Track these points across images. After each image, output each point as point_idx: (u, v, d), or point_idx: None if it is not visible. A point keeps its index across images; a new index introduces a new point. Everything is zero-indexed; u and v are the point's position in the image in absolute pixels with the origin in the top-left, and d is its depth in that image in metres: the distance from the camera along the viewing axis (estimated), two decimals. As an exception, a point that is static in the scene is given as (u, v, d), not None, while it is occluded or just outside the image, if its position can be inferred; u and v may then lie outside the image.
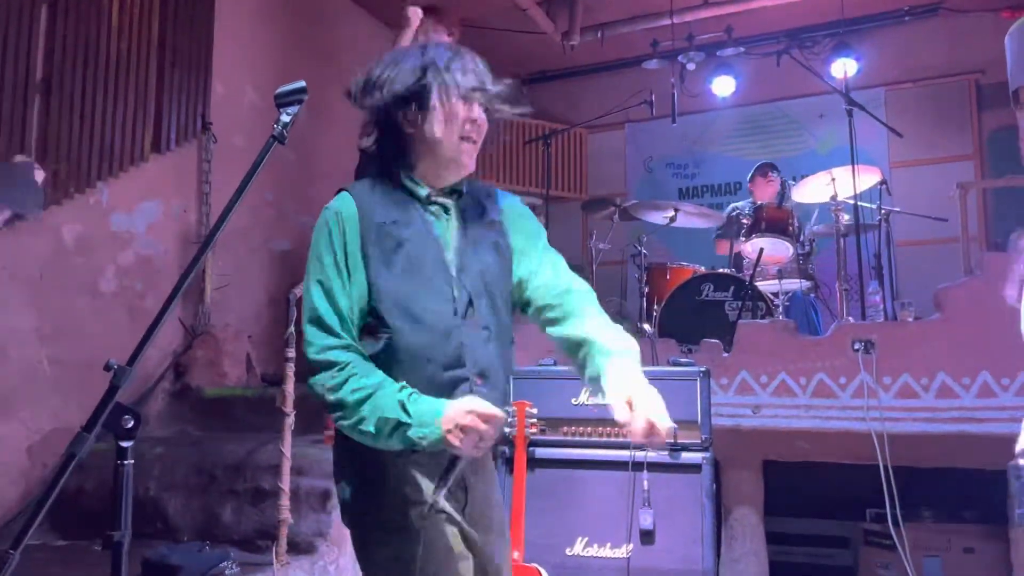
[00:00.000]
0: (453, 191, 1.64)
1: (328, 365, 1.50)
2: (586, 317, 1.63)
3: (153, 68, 4.01)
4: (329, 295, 1.54)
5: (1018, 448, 1.87)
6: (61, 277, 3.57)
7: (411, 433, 1.40)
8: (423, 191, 1.60)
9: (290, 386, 2.79)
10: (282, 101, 1.52)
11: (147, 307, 3.82)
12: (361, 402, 1.45)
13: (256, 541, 2.93)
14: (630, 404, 1.45)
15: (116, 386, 1.34)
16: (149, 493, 3.16)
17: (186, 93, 4.17)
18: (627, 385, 1.48)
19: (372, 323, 1.54)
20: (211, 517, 3.05)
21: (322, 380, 1.50)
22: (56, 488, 1.31)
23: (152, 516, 3.13)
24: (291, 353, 2.85)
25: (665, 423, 1.44)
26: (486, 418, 1.38)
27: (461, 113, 1.55)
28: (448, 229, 1.60)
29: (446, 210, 1.62)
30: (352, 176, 4.48)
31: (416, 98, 1.55)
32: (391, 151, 1.62)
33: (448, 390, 1.50)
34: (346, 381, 1.47)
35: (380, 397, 1.44)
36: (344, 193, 1.61)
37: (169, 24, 4.08)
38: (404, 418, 1.41)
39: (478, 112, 1.56)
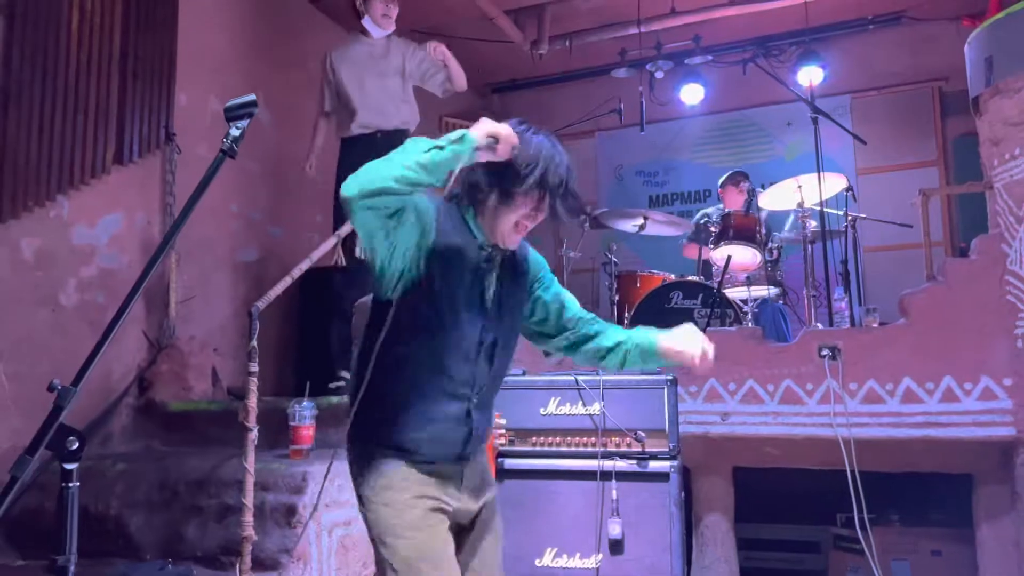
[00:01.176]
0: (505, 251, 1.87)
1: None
2: (610, 329, 2.01)
3: (115, 78, 3.94)
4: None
5: None
6: (20, 292, 3.50)
7: (448, 147, 1.61)
8: (480, 238, 1.81)
9: (253, 400, 2.75)
10: (232, 115, 1.50)
11: (109, 321, 3.75)
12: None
13: (220, 558, 2.88)
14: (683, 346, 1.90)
15: (60, 407, 1.31)
16: (110, 511, 3.10)
17: (149, 103, 4.11)
18: (675, 333, 1.93)
19: (421, 309, 1.74)
20: (174, 534, 3.00)
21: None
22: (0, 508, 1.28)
23: (114, 534, 3.06)
24: (254, 367, 2.81)
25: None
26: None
27: (525, 210, 1.77)
28: (492, 277, 1.83)
29: (495, 261, 1.84)
30: (322, 182, 4.45)
31: (503, 183, 1.74)
32: (464, 198, 1.82)
33: (448, 402, 1.79)
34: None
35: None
36: (430, 201, 1.77)
37: (131, 34, 4.02)
38: (436, 143, 1.62)
39: (542, 215, 1.80)
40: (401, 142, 4.46)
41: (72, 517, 1.31)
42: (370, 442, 1.80)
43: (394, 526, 1.74)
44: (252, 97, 1.50)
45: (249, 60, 4.87)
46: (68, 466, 1.30)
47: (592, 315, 2.04)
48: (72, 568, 1.30)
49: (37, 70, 3.57)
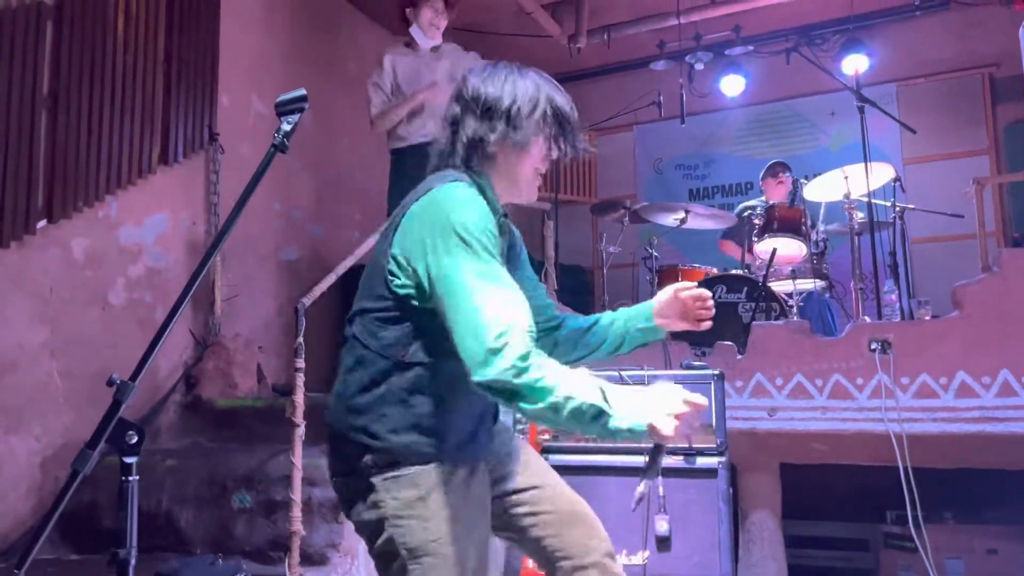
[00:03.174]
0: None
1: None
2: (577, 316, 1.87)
3: (160, 81, 4.00)
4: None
5: None
6: (71, 291, 3.57)
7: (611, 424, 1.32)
8: (498, 208, 1.63)
9: (300, 396, 2.77)
10: (283, 110, 1.50)
11: (157, 319, 3.82)
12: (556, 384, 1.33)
13: (268, 553, 2.91)
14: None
15: (119, 401, 1.32)
16: (161, 506, 3.15)
17: (192, 105, 4.16)
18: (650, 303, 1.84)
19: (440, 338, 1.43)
20: (223, 529, 3.03)
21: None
22: (60, 506, 1.29)
23: (164, 529, 3.11)
24: (300, 363, 2.83)
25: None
26: (695, 405, 1.35)
27: (541, 154, 1.64)
28: (503, 246, 1.63)
29: (509, 230, 1.71)
30: (362, 180, 4.47)
31: (516, 129, 1.59)
32: (472, 160, 1.62)
33: (476, 420, 1.59)
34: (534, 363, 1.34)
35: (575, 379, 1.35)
36: (469, 187, 1.56)
37: (175, 37, 4.08)
38: (604, 407, 1.32)
39: (556, 153, 1.65)
40: None
41: (132, 510, 1.31)
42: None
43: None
44: (303, 92, 1.50)
45: (289, 60, 4.91)
46: (128, 459, 1.31)
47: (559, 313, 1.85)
48: (132, 561, 1.31)
49: (85, 73, 3.63)
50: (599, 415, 1.31)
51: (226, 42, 4.40)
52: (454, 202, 1.48)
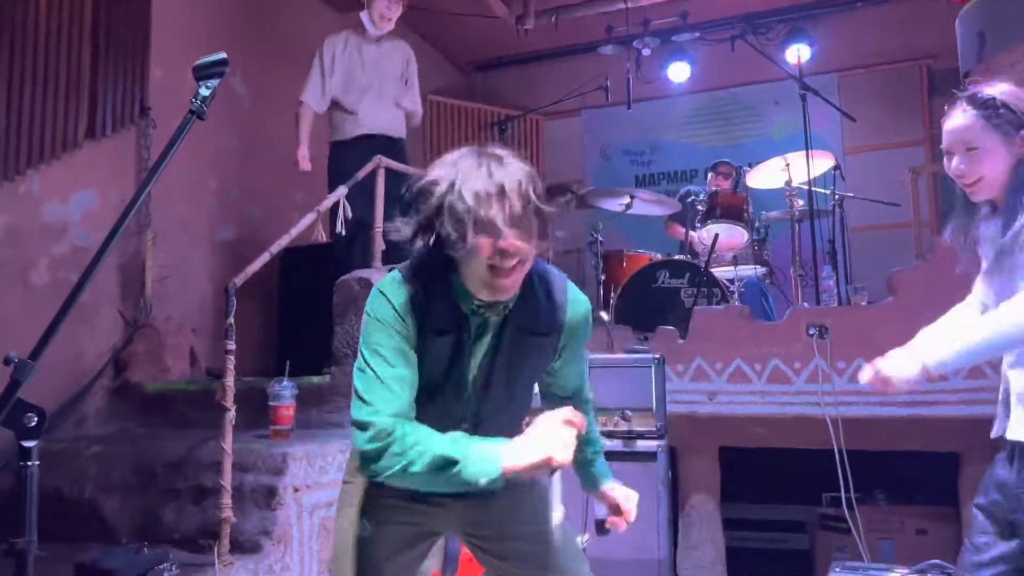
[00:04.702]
0: (503, 305, 1.55)
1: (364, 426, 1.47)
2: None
3: (86, 50, 3.82)
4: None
5: None
6: (-11, 269, 3.40)
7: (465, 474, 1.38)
8: (466, 306, 1.54)
9: (230, 380, 2.68)
10: (202, 74, 1.41)
11: (84, 299, 3.63)
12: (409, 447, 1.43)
13: (199, 541, 2.81)
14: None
15: (17, 381, 1.23)
16: (85, 494, 3.02)
17: (122, 77, 3.98)
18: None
19: None
20: (151, 517, 2.93)
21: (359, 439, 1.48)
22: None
23: (88, 518, 2.99)
24: (231, 345, 2.73)
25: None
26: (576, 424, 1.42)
27: (484, 244, 1.41)
28: (482, 346, 1.57)
29: (489, 324, 1.57)
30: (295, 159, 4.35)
31: (438, 232, 1.44)
32: (435, 260, 1.53)
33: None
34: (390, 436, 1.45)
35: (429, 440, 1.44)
36: (399, 284, 1.55)
37: (103, 4, 3.89)
38: (452, 456, 1.39)
39: (510, 242, 1.41)
40: (402, 149, 4.31)
41: (32, 498, 1.23)
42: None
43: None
44: (223, 55, 1.42)
45: (227, 34, 4.74)
46: (27, 443, 1.23)
47: (587, 398, 1.86)
48: (32, 551, 1.23)
49: (4, 41, 3.45)
50: (446, 465, 1.38)
51: (160, 12, 4.22)
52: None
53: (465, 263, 1.47)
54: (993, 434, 1.97)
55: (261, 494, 2.81)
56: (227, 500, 2.61)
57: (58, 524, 2.85)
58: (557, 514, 1.58)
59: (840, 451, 3.48)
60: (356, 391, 1.50)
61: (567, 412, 1.40)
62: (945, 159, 1.89)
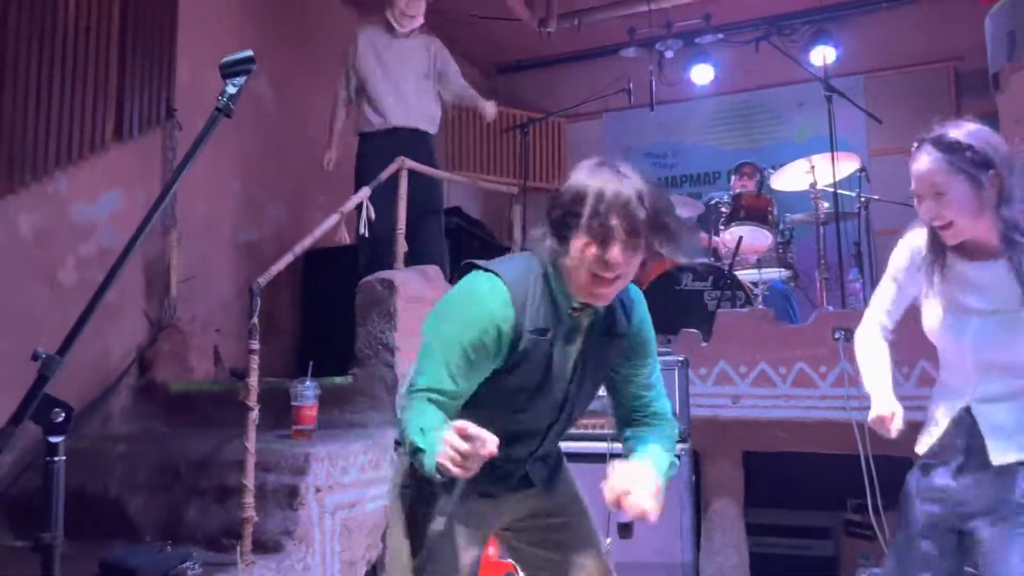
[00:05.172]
0: (595, 308, 1.64)
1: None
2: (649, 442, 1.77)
3: (114, 53, 3.86)
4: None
5: None
6: (17, 268, 3.43)
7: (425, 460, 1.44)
8: (566, 304, 1.61)
9: (254, 379, 2.69)
10: (228, 71, 1.42)
11: (109, 299, 3.65)
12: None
13: (221, 540, 2.83)
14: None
15: (45, 376, 1.24)
16: (109, 492, 3.05)
17: (149, 79, 4.02)
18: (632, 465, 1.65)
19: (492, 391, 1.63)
20: (174, 516, 2.94)
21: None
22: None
23: (113, 516, 3.01)
24: (255, 345, 2.75)
25: (640, 504, 1.56)
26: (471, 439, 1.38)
27: (591, 252, 1.50)
28: (575, 347, 1.65)
29: (580, 326, 1.65)
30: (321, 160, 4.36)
31: (563, 226, 1.54)
32: (535, 264, 1.62)
33: (508, 465, 1.70)
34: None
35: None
36: (505, 292, 1.58)
37: (131, 7, 3.94)
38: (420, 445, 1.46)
39: (615, 253, 1.49)
40: (425, 144, 4.38)
41: (58, 493, 1.24)
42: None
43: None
44: (249, 53, 1.42)
45: (253, 35, 4.77)
46: (53, 439, 1.23)
47: (664, 416, 1.83)
48: (58, 547, 1.23)
49: (34, 42, 3.49)
50: (416, 452, 1.45)
51: (186, 14, 4.26)
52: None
53: (571, 267, 1.54)
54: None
55: (283, 494, 2.81)
56: (249, 500, 2.62)
57: (83, 522, 2.86)
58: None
59: (866, 456, 3.43)
60: (417, 366, 1.60)
61: (459, 425, 1.37)
62: (916, 201, 1.88)
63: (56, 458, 1.23)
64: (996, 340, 1.83)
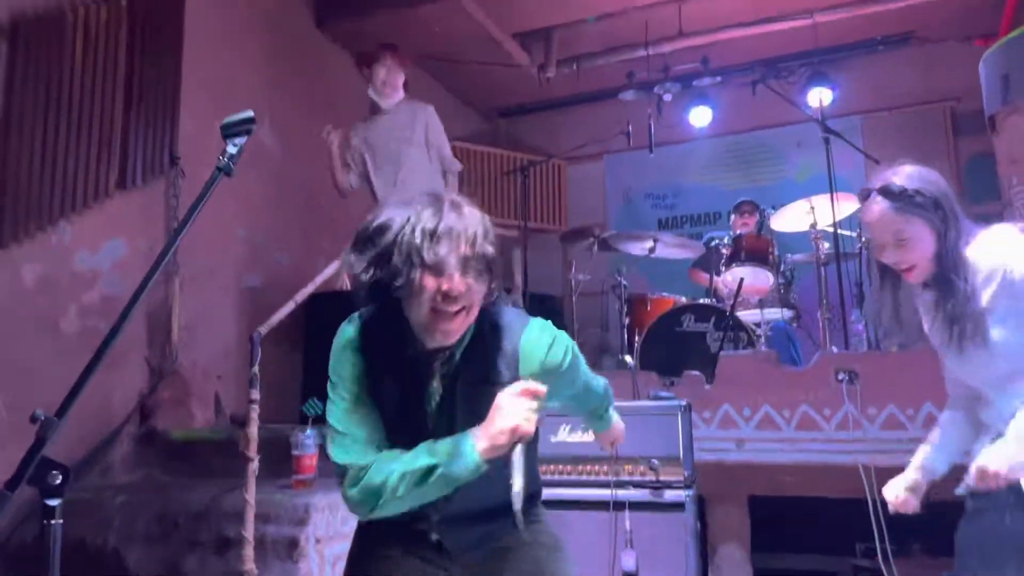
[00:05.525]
0: (450, 352, 1.52)
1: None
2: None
3: (119, 102, 3.92)
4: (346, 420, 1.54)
5: None
6: (20, 318, 3.44)
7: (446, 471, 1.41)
8: (412, 351, 1.51)
9: (254, 429, 2.68)
10: (229, 132, 1.43)
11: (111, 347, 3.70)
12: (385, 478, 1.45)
13: (220, 593, 2.79)
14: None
15: (43, 439, 1.23)
16: (108, 544, 3.01)
17: (153, 128, 4.07)
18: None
19: None
20: (173, 568, 2.91)
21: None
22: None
23: (112, 567, 2.98)
24: (255, 394, 2.74)
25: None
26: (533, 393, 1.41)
27: (429, 285, 1.41)
28: (433, 394, 1.52)
29: (435, 371, 1.52)
30: (329, 207, 4.39)
31: (387, 269, 1.43)
32: (390, 301, 1.50)
33: (407, 534, 1.59)
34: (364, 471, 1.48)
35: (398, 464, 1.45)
36: (353, 325, 1.60)
37: (136, 57, 4.00)
38: (430, 462, 1.41)
39: (456, 283, 1.40)
40: None
41: (54, 555, 1.22)
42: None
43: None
44: (250, 114, 1.44)
45: (255, 85, 4.85)
46: (50, 502, 1.22)
47: (603, 388, 1.88)
48: (54, 611, 1.22)
49: (40, 93, 3.54)
50: (427, 473, 1.40)
51: (190, 65, 4.33)
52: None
53: (410, 304, 1.45)
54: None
55: (283, 545, 2.78)
56: (249, 552, 2.59)
57: (81, 573, 2.84)
58: (516, 483, 1.46)
59: (874, 500, 3.38)
60: (328, 434, 1.54)
61: (523, 384, 1.40)
62: (876, 248, 1.93)
63: (53, 521, 1.22)
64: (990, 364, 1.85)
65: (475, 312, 1.49)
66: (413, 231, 1.41)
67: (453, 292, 1.40)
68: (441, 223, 1.42)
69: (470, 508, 1.56)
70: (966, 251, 1.86)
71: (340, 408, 1.52)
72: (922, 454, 2.13)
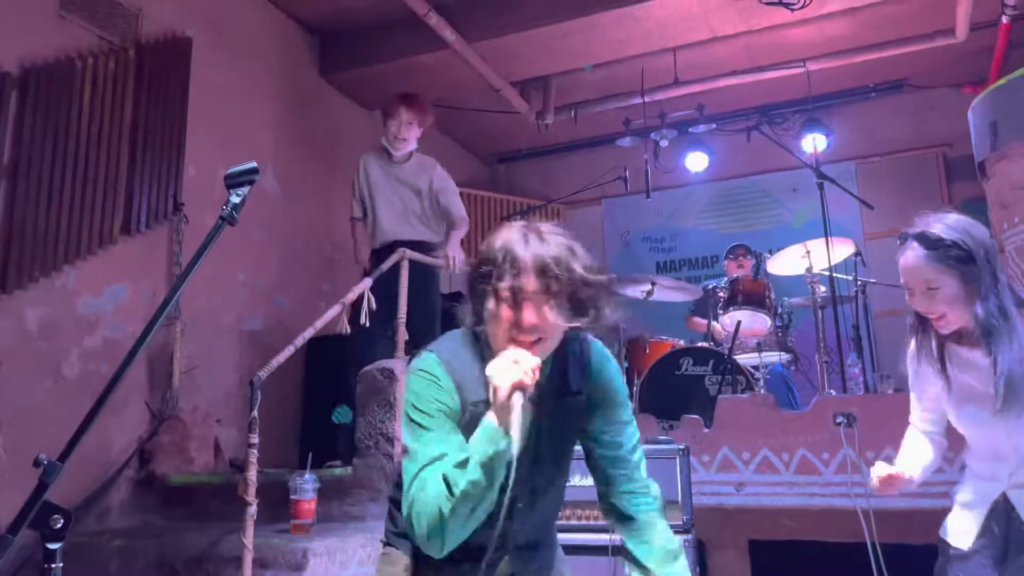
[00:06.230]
0: None
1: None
2: (654, 544, 1.67)
3: (125, 151, 3.99)
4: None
5: None
6: (22, 362, 3.47)
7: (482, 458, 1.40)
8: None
9: (252, 473, 2.68)
10: (232, 182, 1.48)
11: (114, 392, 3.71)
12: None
13: (217, 640, 2.77)
14: None
15: (45, 483, 1.26)
16: (105, 590, 3.01)
17: (158, 175, 4.15)
18: None
19: None
20: (170, 614, 2.89)
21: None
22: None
23: (108, 614, 2.96)
24: (254, 439, 2.75)
25: None
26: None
27: (505, 315, 1.47)
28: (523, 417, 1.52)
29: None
30: (330, 251, 4.44)
31: (480, 292, 1.52)
32: (469, 335, 1.60)
33: (470, 558, 1.53)
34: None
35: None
36: (439, 367, 1.55)
37: (142, 107, 4.09)
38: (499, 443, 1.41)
39: (527, 315, 1.45)
40: (430, 250, 4.32)
41: (55, 601, 1.24)
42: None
43: None
44: (253, 164, 1.49)
45: (259, 131, 4.94)
46: (51, 546, 1.24)
47: (645, 486, 1.70)
48: (54, 657, 1.23)
49: (48, 142, 3.61)
50: (505, 449, 1.39)
51: (195, 112, 4.42)
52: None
53: (491, 332, 1.50)
54: None
55: (281, 591, 2.77)
56: (247, 597, 2.58)
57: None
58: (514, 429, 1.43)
59: (874, 544, 3.37)
60: (411, 462, 1.50)
61: (512, 352, 1.42)
62: (907, 294, 1.93)
63: (54, 565, 1.24)
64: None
65: (552, 342, 1.51)
66: (496, 265, 1.47)
67: (526, 324, 1.45)
68: (523, 254, 1.46)
69: (531, 542, 1.66)
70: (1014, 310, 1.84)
71: (427, 435, 1.49)
72: (905, 455, 2.14)
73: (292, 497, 3.07)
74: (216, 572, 2.89)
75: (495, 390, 1.41)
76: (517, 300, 1.45)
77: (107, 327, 3.87)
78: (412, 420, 1.52)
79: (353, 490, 3.32)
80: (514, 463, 1.38)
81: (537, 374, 1.43)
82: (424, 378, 1.53)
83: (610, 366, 1.68)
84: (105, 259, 3.88)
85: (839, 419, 3.63)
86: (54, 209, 3.62)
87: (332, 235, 5.31)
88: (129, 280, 4.01)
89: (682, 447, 3.18)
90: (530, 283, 1.45)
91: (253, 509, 2.63)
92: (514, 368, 1.40)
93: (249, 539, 2.59)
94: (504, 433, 1.40)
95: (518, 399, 1.40)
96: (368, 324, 3.57)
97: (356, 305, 3.59)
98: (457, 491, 1.40)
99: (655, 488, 1.73)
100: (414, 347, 3.81)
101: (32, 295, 3.54)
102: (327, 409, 4.48)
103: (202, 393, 4.29)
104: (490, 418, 1.43)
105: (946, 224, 1.87)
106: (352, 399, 3.60)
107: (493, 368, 1.43)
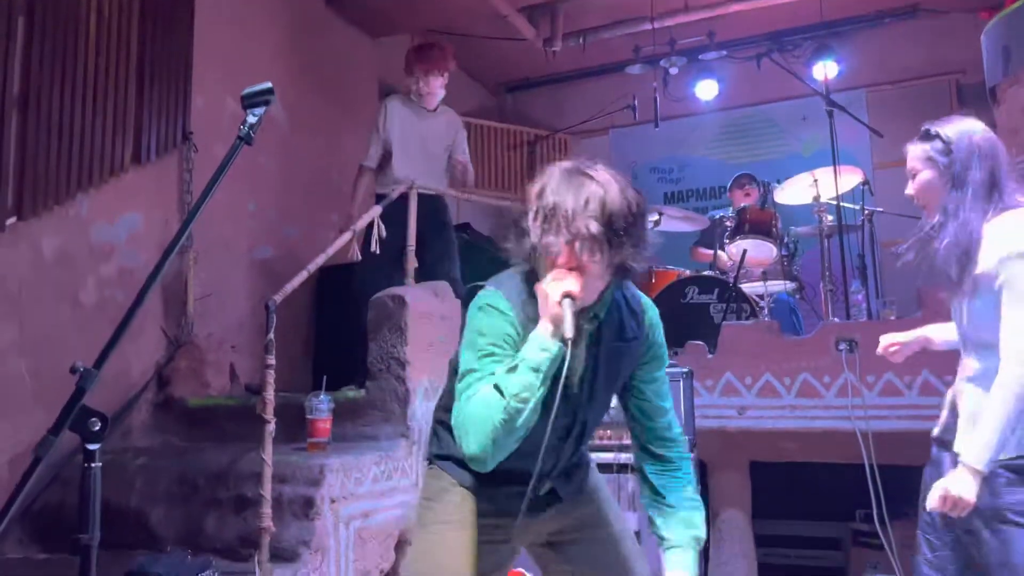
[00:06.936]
0: (593, 313, 1.64)
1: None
2: (682, 497, 1.77)
3: (132, 80, 3.98)
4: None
5: None
6: (40, 290, 3.54)
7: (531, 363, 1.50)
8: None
9: (270, 393, 2.78)
10: (249, 102, 1.52)
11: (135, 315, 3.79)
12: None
13: (239, 550, 2.90)
14: None
15: (82, 388, 1.33)
16: (131, 504, 3.13)
17: (166, 104, 4.15)
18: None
19: None
20: (194, 526, 3.02)
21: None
22: (22, 492, 1.29)
23: (134, 526, 3.10)
24: (271, 360, 2.83)
25: None
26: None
27: (551, 261, 1.55)
28: (580, 355, 1.64)
29: (583, 332, 1.62)
30: (338, 182, 4.46)
31: (528, 232, 1.59)
32: (529, 274, 1.66)
33: (515, 481, 1.64)
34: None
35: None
36: (507, 304, 1.62)
37: (148, 36, 4.06)
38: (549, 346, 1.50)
39: (564, 257, 1.52)
40: (437, 207, 4.41)
41: (95, 497, 1.32)
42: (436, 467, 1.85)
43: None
44: (269, 85, 1.52)
45: (265, 61, 4.90)
46: (91, 446, 1.32)
47: (678, 440, 1.81)
48: (95, 547, 1.32)
49: (56, 71, 3.61)
50: (556, 354, 1.50)
51: (201, 42, 4.39)
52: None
53: (543, 273, 1.57)
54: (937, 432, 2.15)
55: (299, 505, 2.89)
56: (267, 510, 2.70)
57: (106, 532, 2.95)
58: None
59: (871, 466, 3.47)
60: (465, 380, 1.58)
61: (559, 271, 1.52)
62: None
63: (93, 464, 1.32)
64: (979, 320, 1.97)
65: (598, 281, 1.57)
66: (542, 206, 1.54)
67: (564, 266, 1.52)
68: (567, 197, 1.52)
69: (574, 465, 1.82)
70: (984, 225, 1.92)
71: (489, 360, 1.56)
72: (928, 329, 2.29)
73: (308, 417, 3.17)
74: (236, 486, 3.01)
75: (546, 298, 1.50)
76: (553, 243, 1.52)
77: (121, 256, 3.94)
78: (477, 347, 1.59)
79: (366, 411, 3.42)
80: (567, 360, 1.48)
81: (584, 289, 1.51)
82: (493, 311, 1.61)
83: (658, 322, 1.80)
84: (117, 188, 3.91)
85: (841, 345, 3.71)
86: (65, 137, 3.64)
87: (340, 165, 5.31)
88: (141, 209, 4.05)
89: (686, 370, 3.27)
90: (565, 227, 1.50)
91: (271, 426, 2.73)
92: (565, 280, 1.50)
93: (268, 455, 2.70)
94: (554, 338, 1.49)
95: (568, 304, 1.49)
96: (379, 251, 3.62)
97: (365, 232, 3.64)
98: (508, 394, 1.48)
99: (682, 438, 1.85)
100: (425, 278, 3.87)
101: (46, 223, 3.58)
102: (338, 339, 4.58)
103: (216, 320, 4.38)
104: (539, 330, 1.52)
105: (950, 124, 2.01)
106: (363, 325, 3.68)
107: (545, 283, 1.53)
